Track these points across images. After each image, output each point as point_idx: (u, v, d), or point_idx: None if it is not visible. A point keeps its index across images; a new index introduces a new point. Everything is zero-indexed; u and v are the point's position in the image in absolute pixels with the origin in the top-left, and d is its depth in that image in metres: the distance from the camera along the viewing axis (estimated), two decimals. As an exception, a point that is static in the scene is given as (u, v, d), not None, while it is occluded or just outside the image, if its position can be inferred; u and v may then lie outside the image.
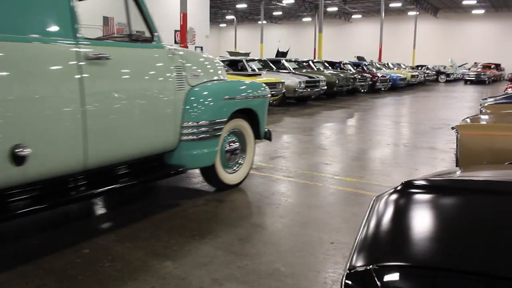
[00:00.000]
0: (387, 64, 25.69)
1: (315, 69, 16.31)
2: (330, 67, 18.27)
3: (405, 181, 1.61)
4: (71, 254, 2.87)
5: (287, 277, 2.60)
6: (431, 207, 1.50)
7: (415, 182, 1.60)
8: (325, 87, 13.58)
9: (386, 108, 12.90)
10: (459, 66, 34.20)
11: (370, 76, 18.81)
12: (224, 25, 54.56)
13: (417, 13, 38.21)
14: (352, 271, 1.15)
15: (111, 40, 3.36)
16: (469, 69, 32.70)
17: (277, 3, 38.08)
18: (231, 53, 24.84)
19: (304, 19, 47.56)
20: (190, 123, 3.62)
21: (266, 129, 4.65)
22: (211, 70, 4.07)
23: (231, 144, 4.16)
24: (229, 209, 3.77)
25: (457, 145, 3.56)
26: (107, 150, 3.04)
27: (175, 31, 29.43)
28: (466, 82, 29.38)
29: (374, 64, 22.74)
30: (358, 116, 10.77)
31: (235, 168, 4.27)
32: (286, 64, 14.83)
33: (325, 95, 15.03)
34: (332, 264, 2.78)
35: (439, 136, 7.69)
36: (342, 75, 16.04)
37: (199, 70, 3.87)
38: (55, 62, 2.69)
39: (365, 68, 20.55)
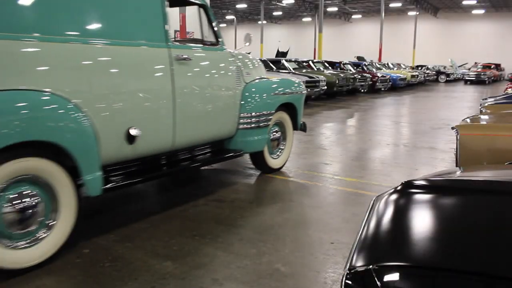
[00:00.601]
0: (387, 64, 25.69)
1: (315, 69, 16.31)
2: (330, 67, 18.27)
3: (405, 181, 1.61)
4: (71, 254, 2.87)
5: (287, 277, 2.60)
6: (431, 207, 1.50)
7: (415, 182, 1.60)
8: (325, 87, 13.58)
9: (386, 108, 12.90)
10: (459, 66, 34.19)
11: (370, 76, 18.82)
12: (224, 25, 54.56)
13: (417, 13, 38.21)
14: (352, 271, 1.16)
15: (191, 44, 3.93)
16: (469, 69, 32.69)
17: (277, 3, 38.08)
18: (231, 53, 24.82)
19: (304, 19, 47.56)
20: (245, 114, 4.28)
21: (302, 121, 5.24)
22: (258, 70, 4.70)
23: (275, 134, 4.83)
24: (229, 209, 3.77)
25: (457, 145, 3.56)
26: (188, 134, 3.70)
27: (175, 31, 29.48)
28: (466, 82, 29.37)
29: (374, 64, 22.75)
30: (358, 116, 10.77)
31: (278, 153, 4.97)
32: (286, 64, 14.83)
33: (325, 95, 15.03)
34: (332, 264, 2.78)
35: (439, 136, 7.69)
36: (342, 75, 16.04)
37: (251, 69, 4.52)
38: (155, 62, 3.37)
39: (365, 68, 20.55)
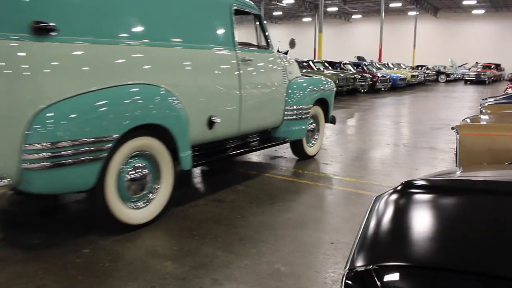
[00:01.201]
0: (387, 64, 25.68)
1: (315, 69, 16.29)
2: (330, 67, 18.26)
3: (405, 181, 1.61)
4: (71, 254, 2.87)
5: (287, 277, 2.60)
6: (431, 207, 1.50)
7: (415, 182, 1.60)
8: (325, 87, 13.53)
9: (386, 108, 12.90)
10: (459, 66, 34.17)
11: (370, 76, 18.81)
12: (224, 25, 54.53)
13: (417, 13, 38.20)
14: (352, 271, 1.16)
15: (250, 48, 4.56)
16: (469, 69, 32.68)
17: (277, 3, 38.08)
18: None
19: (304, 19, 47.55)
20: (289, 107, 5.01)
21: (331, 115, 5.96)
22: (296, 70, 5.44)
23: (310, 125, 5.56)
24: (229, 209, 3.77)
25: (457, 145, 3.56)
26: (250, 122, 4.43)
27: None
28: (466, 82, 29.37)
29: (374, 64, 22.74)
30: (358, 116, 10.77)
31: (313, 142, 5.73)
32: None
33: (325, 95, 15.02)
34: (332, 264, 2.78)
35: (439, 136, 7.69)
36: (342, 75, 16.02)
37: (292, 69, 5.26)
38: (228, 63, 4.13)
39: (365, 68, 20.55)
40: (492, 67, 31.31)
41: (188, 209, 3.77)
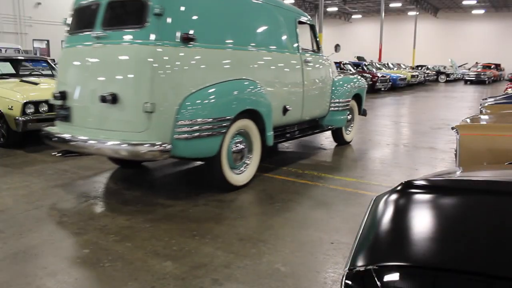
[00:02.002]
0: (387, 64, 25.68)
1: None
2: (330, 67, 18.20)
3: (405, 181, 1.61)
4: (71, 254, 2.87)
5: (287, 277, 2.60)
6: (431, 207, 1.50)
7: (415, 182, 1.60)
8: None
9: (386, 108, 12.90)
10: (459, 66, 34.16)
11: (370, 76, 18.80)
12: (224, 25, 54.50)
13: (417, 13, 38.19)
14: (352, 271, 1.16)
15: (308, 51, 5.72)
16: (469, 69, 32.67)
17: (277, 3, 38.04)
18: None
19: (304, 19, 47.52)
20: (334, 100, 6.17)
21: (363, 108, 7.12)
22: (335, 69, 6.74)
23: (347, 116, 6.52)
24: (229, 209, 3.77)
25: (457, 145, 3.56)
26: (309, 111, 5.59)
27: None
28: (466, 82, 29.36)
29: (374, 64, 22.73)
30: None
31: (349, 130, 6.85)
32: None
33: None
34: (332, 264, 2.78)
35: (439, 136, 7.68)
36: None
37: (334, 69, 6.56)
38: (295, 64, 5.28)
39: (365, 68, 20.53)
40: (492, 67, 31.29)
41: (188, 209, 3.77)
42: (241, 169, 4.35)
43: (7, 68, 7.35)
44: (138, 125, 3.65)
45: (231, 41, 4.32)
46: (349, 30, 46.78)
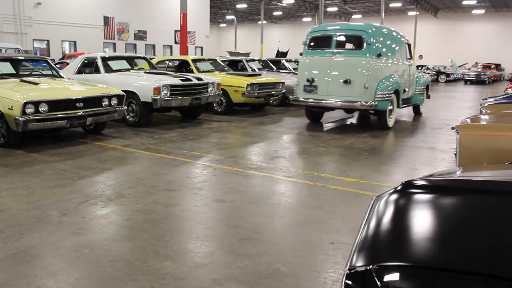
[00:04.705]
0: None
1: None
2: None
3: (405, 181, 1.61)
4: (71, 254, 2.87)
5: (287, 277, 2.60)
6: (431, 207, 1.50)
7: (415, 182, 1.60)
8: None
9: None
10: (459, 66, 34.16)
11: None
12: (224, 25, 54.52)
13: (417, 13, 38.19)
14: (352, 271, 1.16)
15: (408, 59, 9.49)
16: (469, 69, 32.66)
17: (277, 3, 38.05)
18: (231, 53, 24.81)
19: (304, 19, 47.52)
20: (417, 87, 10.21)
21: (428, 94, 11.43)
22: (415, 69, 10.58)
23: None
24: (229, 209, 3.77)
25: (457, 145, 3.56)
26: (411, 92, 9.82)
27: (175, 31, 29.45)
28: (466, 82, 29.35)
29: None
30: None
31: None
32: (286, 64, 14.81)
33: (325, 95, 15.00)
34: (332, 264, 2.78)
35: (439, 136, 7.69)
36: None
37: (413, 69, 10.06)
38: (408, 66, 9.38)
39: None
40: (492, 67, 31.28)
41: (188, 209, 3.77)
42: (390, 117, 8.34)
43: (7, 68, 7.34)
44: (360, 94, 7.86)
45: (391, 55, 8.44)
46: (349, 30, 46.64)
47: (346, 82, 7.82)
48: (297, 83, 8.58)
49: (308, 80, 8.23)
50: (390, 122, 8.33)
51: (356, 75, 7.80)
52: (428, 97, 11.16)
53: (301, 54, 8.79)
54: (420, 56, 10.28)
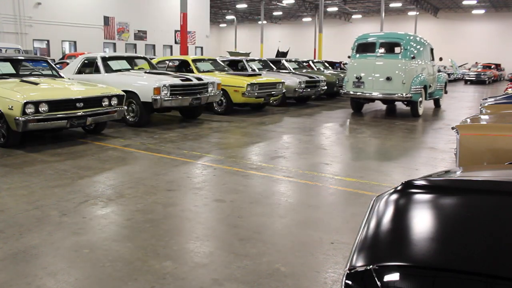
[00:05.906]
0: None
1: (315, 69, 16.29)
2: (330, 67, 18.24)
3: (405, 181, 1.61)
4: (71, 254, 2.87)
5: (287, 277, 2.60)
6: (431, 207, 1.50)
7: (415, 182, 1.60)
8: (325, 87, 13.56)
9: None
10: (459, 66, 34.15)
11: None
12: (224, 25, 54.53)
13: (417, 13, 38.19)
14: (352, 271, 1.16)
15: (431, 62, 11.60)
16: (469, 69, 32.66)
17: (277, 3, 38.06)
18: (231, 53, 24.83)
19: (304, 19, 47.54)
20: (438, 84, 12.30)
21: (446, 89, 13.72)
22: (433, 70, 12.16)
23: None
24: (229, 209, 3.77)
25: (457, 145, 3.56)
26: (434, 87, 11.85)
27: (175, 31, 29.45)
28: (466, 82, 29.34)
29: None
30: (358, 116, 10.76)
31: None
32: (286, 64, 14.81)
33: (325, 95, 15.01)
34: (332, 264, 2.78)
35: (439, 136, 7.69)
36: (342, 75, 15.97)
37: (436, 68, 12.10)
38: (433, 67, 11.70)
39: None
40: (492, 67, 31.28)
41: (188, 209, 3.77)
42: (420, 107, 10.34)
43: (7, 68, 7.35)
44: (399, 88, 9.87)
45: (420, 58, 10.42)
46: (349, 30, 46.72)
47: (388, 79, 9.99)
48: (346, 79, 10.81)
49: (356, 78, 10.44)
50: (420, 111, 10.48)
51: (395, 74, 9.97)
52: (446, 92, 13.38)
53: (349, 57, 10.97)
54: (440, 58, 10.75)
